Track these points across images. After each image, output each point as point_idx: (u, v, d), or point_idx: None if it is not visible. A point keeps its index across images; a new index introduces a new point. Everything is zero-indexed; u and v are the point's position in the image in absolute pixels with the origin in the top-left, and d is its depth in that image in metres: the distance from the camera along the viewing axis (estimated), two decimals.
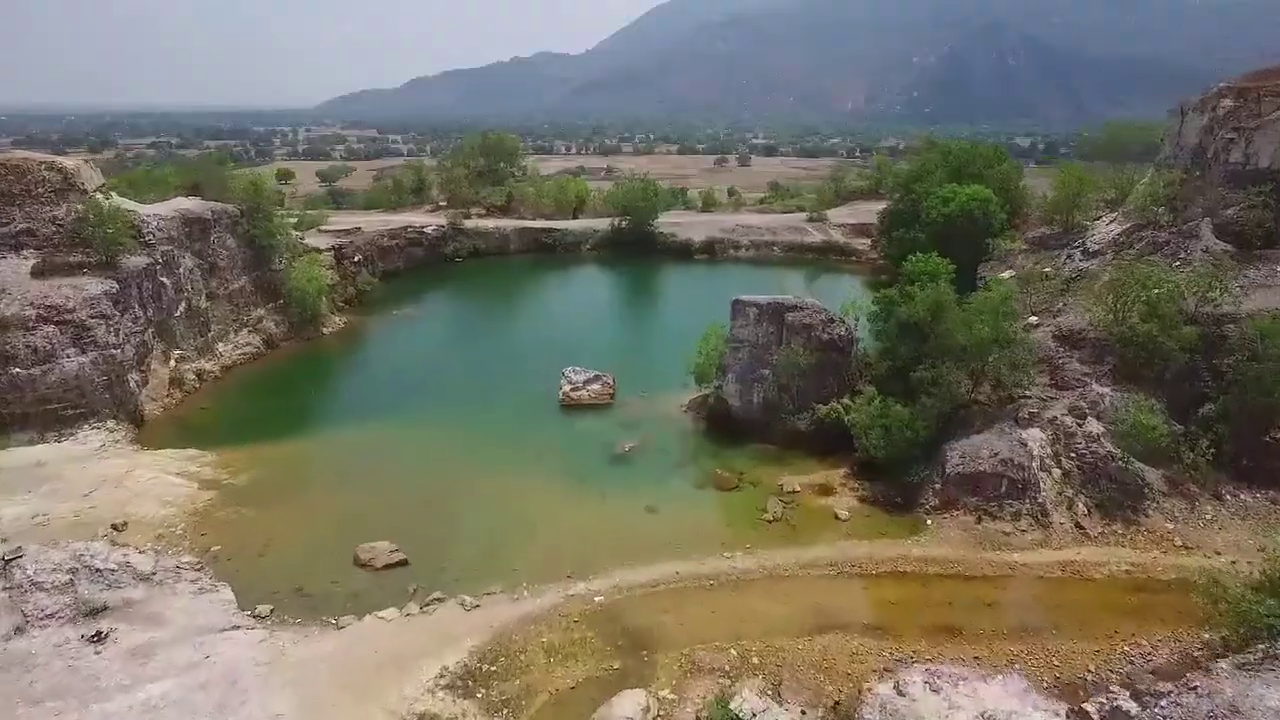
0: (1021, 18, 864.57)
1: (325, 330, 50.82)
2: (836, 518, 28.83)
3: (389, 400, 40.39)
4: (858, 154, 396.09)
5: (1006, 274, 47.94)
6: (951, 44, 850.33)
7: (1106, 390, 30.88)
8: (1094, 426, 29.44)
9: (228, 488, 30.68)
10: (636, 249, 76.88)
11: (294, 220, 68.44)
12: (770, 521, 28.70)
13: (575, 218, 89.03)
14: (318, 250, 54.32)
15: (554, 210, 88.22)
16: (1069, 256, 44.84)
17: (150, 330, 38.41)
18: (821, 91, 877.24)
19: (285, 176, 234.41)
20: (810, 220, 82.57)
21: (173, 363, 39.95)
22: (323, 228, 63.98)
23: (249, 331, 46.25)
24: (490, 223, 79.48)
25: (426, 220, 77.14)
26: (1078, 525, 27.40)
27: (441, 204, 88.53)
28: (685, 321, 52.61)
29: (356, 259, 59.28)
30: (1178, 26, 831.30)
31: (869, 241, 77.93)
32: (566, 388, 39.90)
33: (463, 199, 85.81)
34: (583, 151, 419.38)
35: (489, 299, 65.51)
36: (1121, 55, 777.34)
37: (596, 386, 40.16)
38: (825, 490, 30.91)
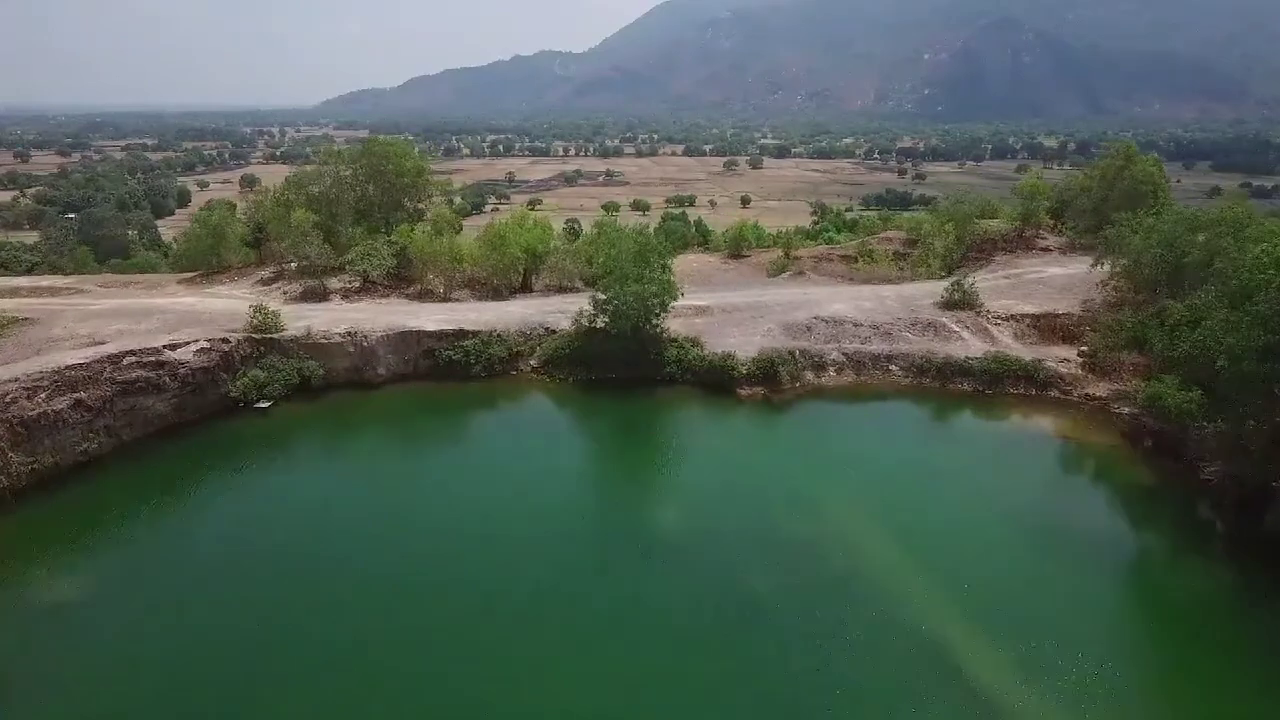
0: (1035, 14, 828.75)
1: None
2: None
3: None
4: (876, 155, 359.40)
5: None
6: (963, 41, 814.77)
7: None
8: None
9: None
10: (626, 367, 39.07)
11: None
12: None
13: (527, 290, 51.34)
14: None
15: (490, 276, 50.41)
16: None
17: None
18: (830, 89, 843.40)
19: (250, 183, 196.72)
20: (950, 305, 44.33)
21: None
22: None
23: None
24: (345, 316, 41.59)
25: (219, 307, 39.54)
26: None
27: (290, 264, 50.88)
28: None
29: None
30: (1194, 22, 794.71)
31: (1075, 355, 40.09)
32: None
33: (316, 266, 47.95)
34: (582, 153, 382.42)
35: (245, 587, 24.17)
36: (1137, 51, 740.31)
37: None
38: None
